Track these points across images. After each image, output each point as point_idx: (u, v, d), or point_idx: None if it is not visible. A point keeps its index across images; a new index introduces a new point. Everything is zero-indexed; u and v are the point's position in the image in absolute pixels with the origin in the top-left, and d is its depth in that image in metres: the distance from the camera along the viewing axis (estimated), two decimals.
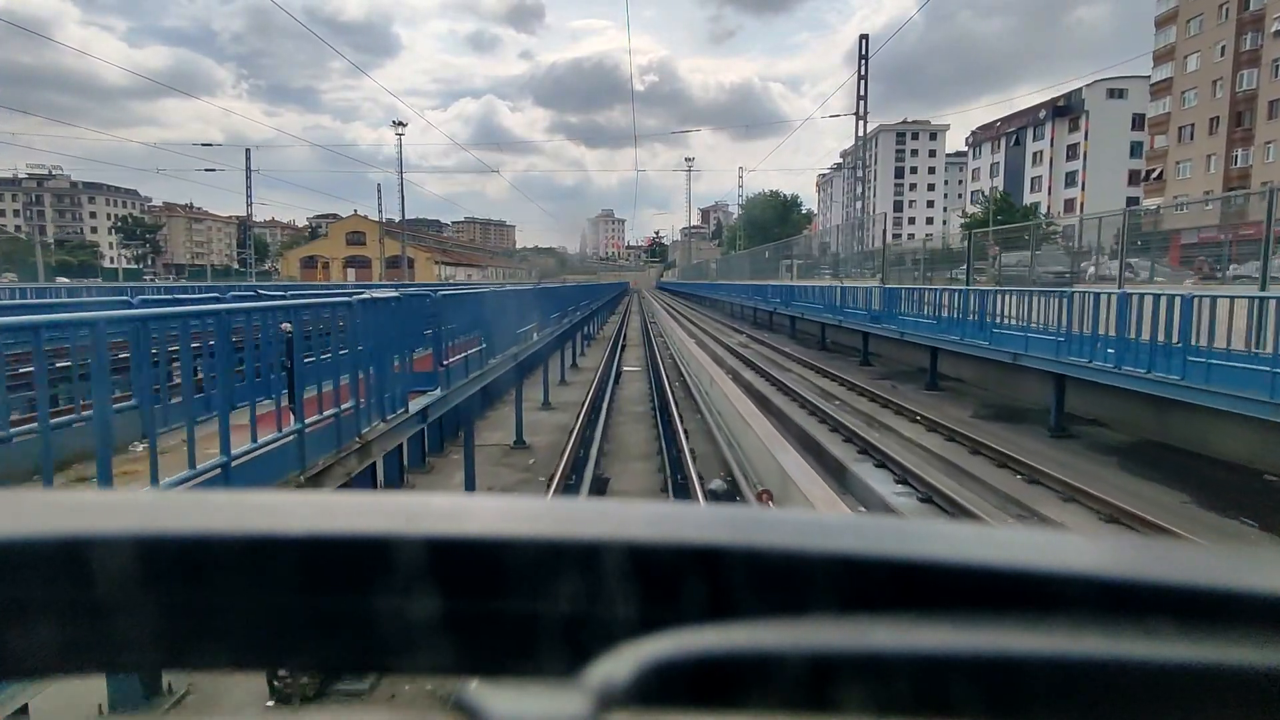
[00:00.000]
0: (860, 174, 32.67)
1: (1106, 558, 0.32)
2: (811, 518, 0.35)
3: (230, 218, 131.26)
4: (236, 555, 0.32)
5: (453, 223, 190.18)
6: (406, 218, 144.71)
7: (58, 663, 0.31)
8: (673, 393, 19.99)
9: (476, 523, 0.33)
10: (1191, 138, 56.64)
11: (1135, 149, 74.99)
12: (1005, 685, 0.28)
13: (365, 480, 7.18)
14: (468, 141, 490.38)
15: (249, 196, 49.38)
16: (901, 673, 0.28)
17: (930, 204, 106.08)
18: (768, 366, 20.58)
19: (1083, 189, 74.49)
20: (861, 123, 29.59)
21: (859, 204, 33.52)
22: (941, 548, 0.32)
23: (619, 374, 24.99)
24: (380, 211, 69.93)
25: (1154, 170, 61.00)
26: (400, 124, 72.72)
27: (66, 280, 56.27)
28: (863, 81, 29.21)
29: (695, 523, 0.35)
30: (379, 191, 70.56)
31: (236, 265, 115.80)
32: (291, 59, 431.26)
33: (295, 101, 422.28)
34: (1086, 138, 74.83)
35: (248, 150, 49.64)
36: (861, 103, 29.60)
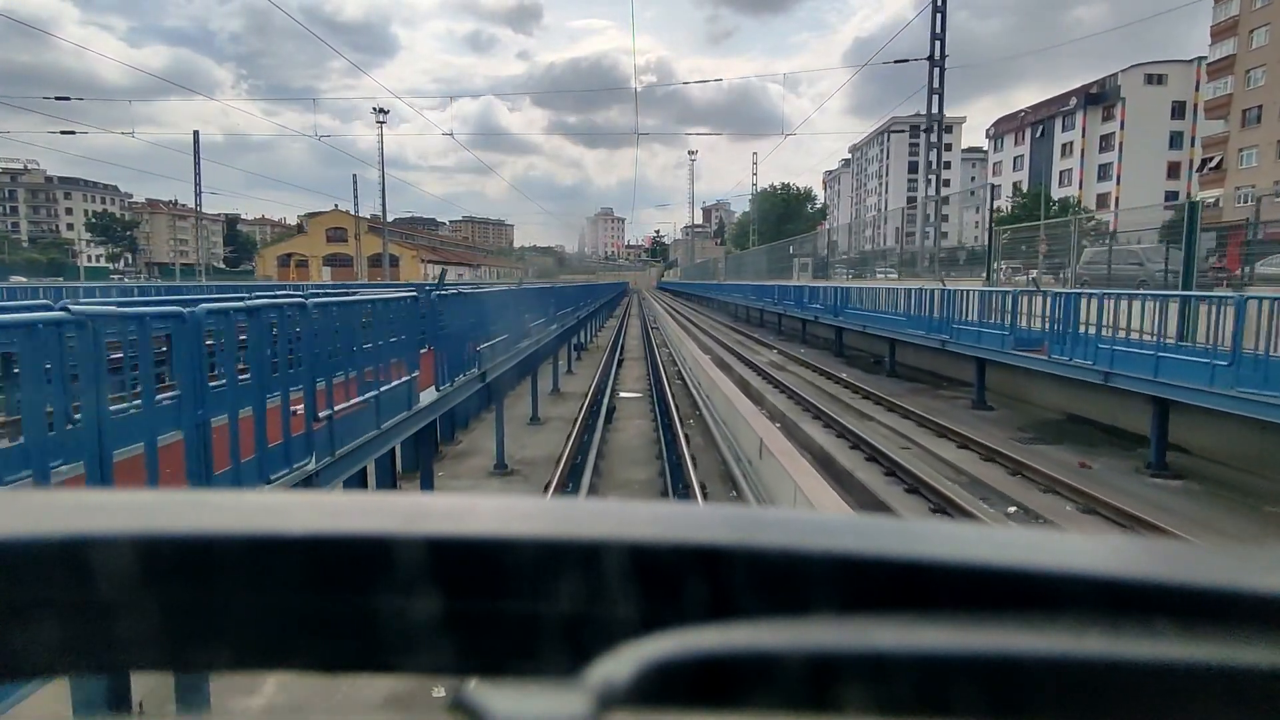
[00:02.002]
0: (937, 140, 25.20)
1: (1108, 558, 0.32)
2: (812, 517, 0.35)
3: (218, 215, 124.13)
4: (238, 555, 0.31)
5: (449, 222, 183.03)
6: (402, 216, 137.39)
7: (59, 663, 0.31)
8: (687, 440, 12.91)
9: (478, 523, 0.33)
10: (1258, 121, 49.28)
11: (1175, 139, 67.78)
12: (1007, 685, 0.28)
13: None
14: (466, 141, 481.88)
15: (198, 186, 42.20)
16: (903, 673, 0.28)
17: (945, 201, 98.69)
18: (834, 410, 13.33)
19: (1118, 183, 67.25)
20: (938, 70, 22.46)
21: (931, 181, 26.12)
22: (943, 548, 0.32)
23: (612, 409, 17.76)
24: (356, 204, 62.66)
25: (1211, 158, 53.64)
26: (382, 111, 65.50)
27: (24, 279, 50.51)
28: (939, 15, 22.10)
29: (696, 522, 0.34)
30: (354, 182, 63.26)
31: (220, 264, 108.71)
32: (292, 59, 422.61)
33: (295, 101, 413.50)
34: (1123, 127, 67.49)
35: (195, 132, 42.64)
36: (937, 43, 22.45)
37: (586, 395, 19.69)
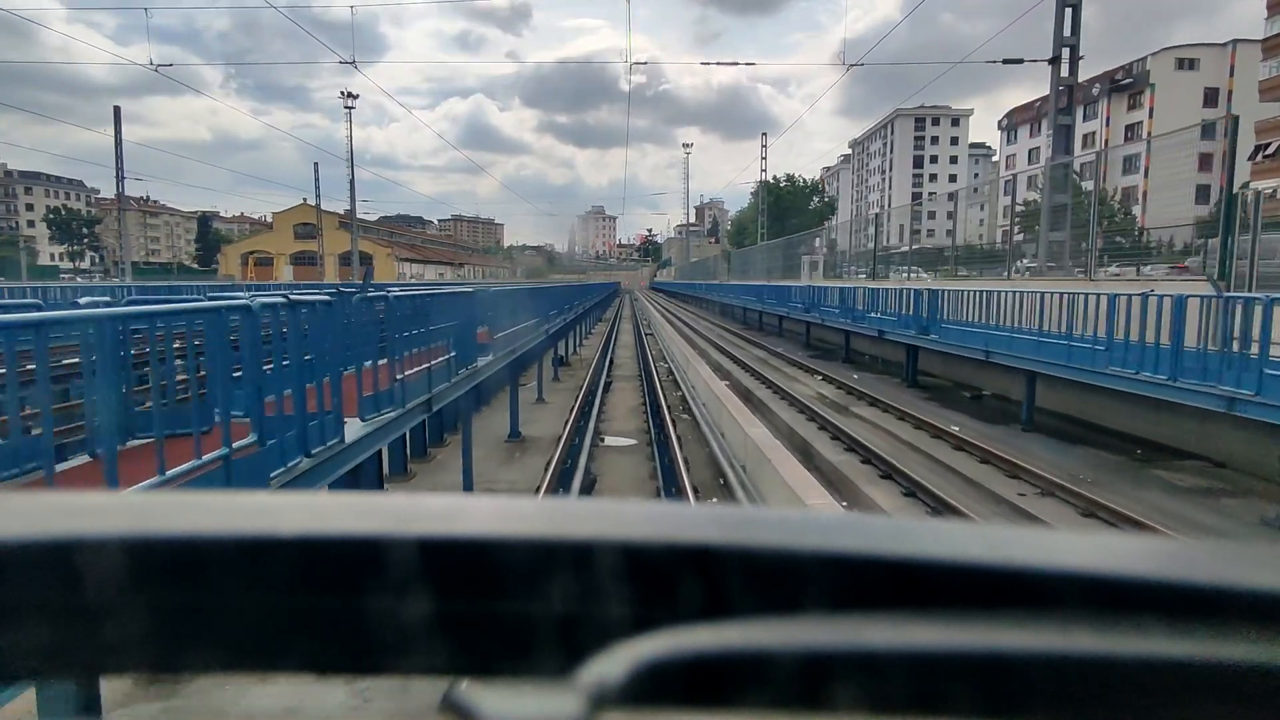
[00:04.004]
0: (1071, 75, 18.50)
1: (1098, 555, 0.31)
2: (805, 516, 0.34)
3: (192, 213, 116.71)
4: (228, 557, 0.30)
5: (438, 221, 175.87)
6: (388, 215, 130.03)
7: (49, 665, 0.30)
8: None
9: (470, 523, 0.32)
10: None
11: (1207, 130, 61.57)
12: (998, 683, 0.27)
13: None
14: (456, 141, 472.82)
15: (120, 171, 35.15)
16: (895, 671, 0.28)
17: (951, 197, 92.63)
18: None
19: (1146, 175, 61.05)
20: None
21: (1058, 133, 19.48)
22: (934, 546, 0.31)
23: (592, 481, 11.15)
24: (317, 195, 55.79)
25: (1267, 145, 47.43)
26: (351, 96, 58.60)
27: None
28: None
29: (689, 522, 0.34)
30: (315, 171, 56.25)
31: (193, 263, 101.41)
32: (282, 57, 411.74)
33: (285, 100, 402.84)
34: (1151, 115, 61.22)
35: (116, 108, 35.65)
36: None
37: (559, 444, 13.16)
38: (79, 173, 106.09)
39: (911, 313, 14.05)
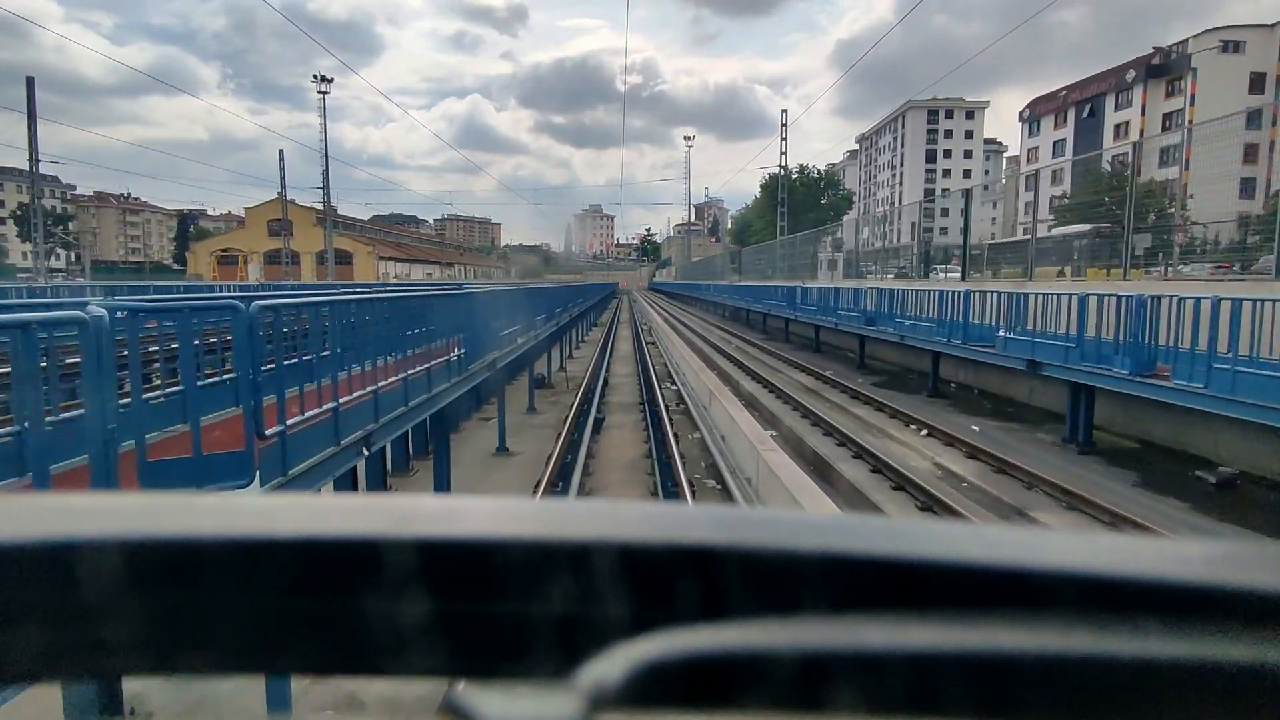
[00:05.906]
0: None
1: (1094, 555, 0.31)
2: (802, 517, 0.34)
3: (177, 211, 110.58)
4: (225, 558, 0.30)
5: (434, 220, 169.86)
6: (382, 214, 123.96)
7: (46, 667, 0.30)
8: None
9: (467, 524, 0.32)
10: None
11: (1252, 119, 56.05)
12: (995, 683, 0.27)
13: None
14: (453, 141, 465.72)
15: (34, 152, 29.17)
16: (892, 671, 0.27)
17: (966, 194, 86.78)
18: None
19: (1186, 168, 55.48)
20: None
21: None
22: (932, 546, 0.31)
23: None
24: (283, 186, 49.80)
25: None
26: (326, 79, 52.68)
27: None
28: None
29: (687, 522, 0.33)
30: (281, 159, 50.22)
31: (173, 262, 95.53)
32: (279, 57, 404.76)
33: (282, 100, 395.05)
34: (1192, 103, 55.38)
35: (30, 79, 29.73)
36: None
37: None
38: (72, 172, 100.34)
39: (1116, 337, 8.14)
